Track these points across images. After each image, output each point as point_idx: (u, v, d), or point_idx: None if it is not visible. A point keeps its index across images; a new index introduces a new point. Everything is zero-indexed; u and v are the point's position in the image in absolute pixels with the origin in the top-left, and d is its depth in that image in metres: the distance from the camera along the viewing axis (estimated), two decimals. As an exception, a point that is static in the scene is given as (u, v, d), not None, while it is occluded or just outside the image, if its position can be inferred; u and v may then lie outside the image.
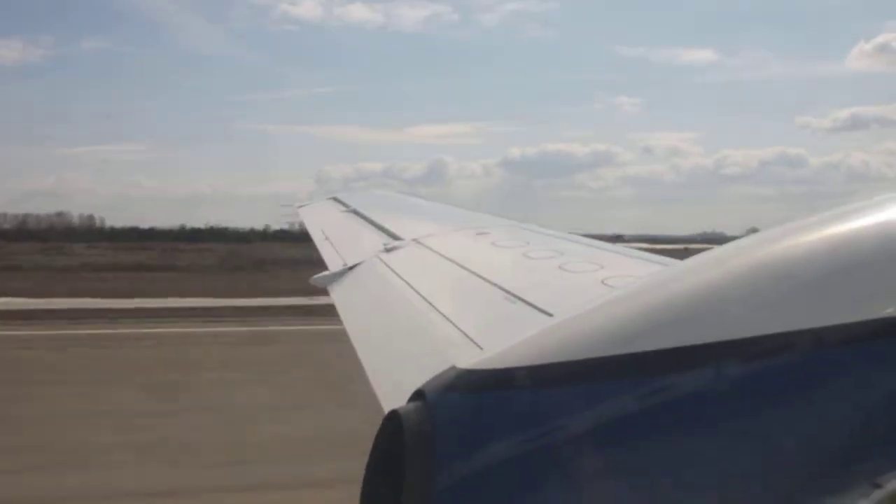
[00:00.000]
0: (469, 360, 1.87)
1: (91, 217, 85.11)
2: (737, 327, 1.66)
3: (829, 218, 1.92)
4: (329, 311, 4.88)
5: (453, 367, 1.83)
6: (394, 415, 1.79)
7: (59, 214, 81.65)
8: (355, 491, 1.86)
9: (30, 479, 12.76)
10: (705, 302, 1.78)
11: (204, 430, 15.53)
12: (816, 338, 1.61)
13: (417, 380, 1.88)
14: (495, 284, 3.77)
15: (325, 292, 5.09)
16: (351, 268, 5.31)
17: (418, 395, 1.80)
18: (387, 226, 6.26)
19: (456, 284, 4.13)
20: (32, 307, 32.27)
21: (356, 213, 7.48)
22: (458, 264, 4.42)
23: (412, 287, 4.26)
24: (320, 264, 5.59)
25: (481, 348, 2.90)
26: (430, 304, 3.81)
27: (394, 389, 2.71)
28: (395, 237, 5.71)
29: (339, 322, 4.32)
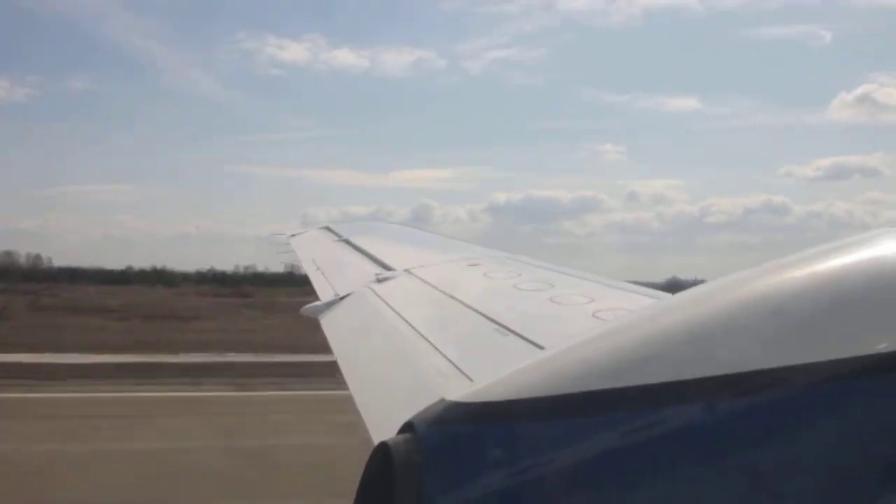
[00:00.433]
0: (459, 392, 1.86)
1: (38, 257, 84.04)
2: (730, 362, 1.65)
3: (821, 253, 1.92)
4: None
5: (443, 399, 1.82)
6: (383, 447, 1.77)
7: (8, 254, 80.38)
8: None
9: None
10: (697, 336, 1.77)
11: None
12: (809, 373, 1.61)
13: (407, 411, 1.87)
14: (486, 316, 3.76)
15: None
16: (342, 298, 5.30)
17: (408, 426, 1.79)
18: (378, 256, 6.26)
19: (447, 316, 4.12)
20: None
21: (348, 242, 7.48)
22: (449, 295, 4.42)
23: (403, 318, 4.25)
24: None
25: (472, 380, 2.89)
26: (421, 335, 3.80)
27: (383, 421, 2.69)
28: (386, 267, 5.71)
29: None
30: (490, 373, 1.95)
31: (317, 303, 5.43)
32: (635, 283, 4.36)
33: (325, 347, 4.58)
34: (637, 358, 1.76)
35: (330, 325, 4.93)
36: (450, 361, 3.27)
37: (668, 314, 1.97)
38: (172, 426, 19.70)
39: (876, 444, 1.58)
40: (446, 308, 4.23)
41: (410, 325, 4.05)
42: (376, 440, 1.95)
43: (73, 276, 74.22)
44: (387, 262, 5.92)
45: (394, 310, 4.49)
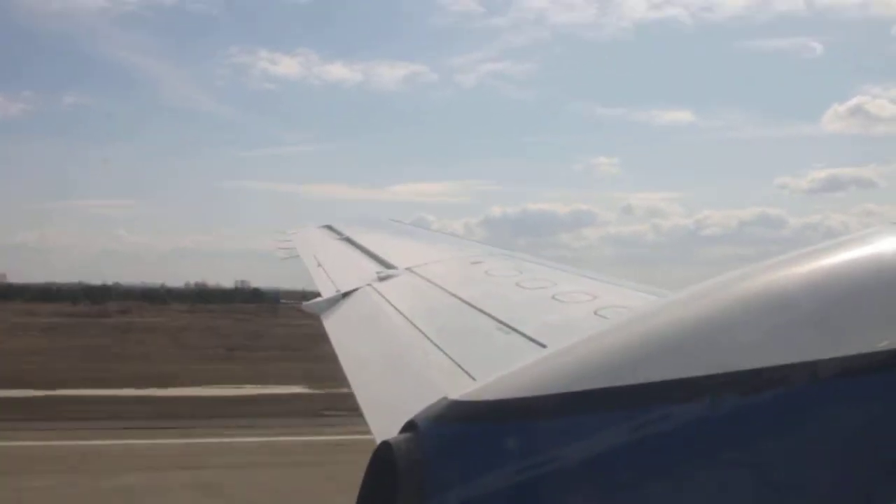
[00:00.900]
0: (461, 390, 1.85)
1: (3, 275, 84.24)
2: (732, 359, 1.65)
3: (824, 249, 1.92)
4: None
5: (445, 398, 1.81)
6: (385, 445, 1.77)
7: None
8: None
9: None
10: (700, 333, 1.77)
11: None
12: (812, 370, 1.60)
13: (409, 410, 1.86)
14: (488, 314, 3.76)
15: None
16: (343, 295, 5.30)
17: (410, 425, 1.79)
18: (380, 254, 6.26)
19: (449, 314, 4.12)
20: None
21: (350, 240, 7.48)
22: (451, 294, 4.42)
23: (405, 316, 4.25)
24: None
25: (474, 379, 2.89)
26: (423, 333, 3.80)
27: (385, 419, 2.69)
28: (388, 265, 5.71)
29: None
30: (492, 371, 1.95)
31: (318, 299, 5.43)
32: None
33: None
34: (639, 356, 1.75)
35: (331, 322, 4.93)
36: (452, 360, 3.27)
37: (669, 312, 1.97)
38: None
39: (875, 441, 1.58)
40: (448, 306, 4.23)
41: (412, 323, 4.05)
42: (378, 439, 1.95)
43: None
44: (388, 259, 5.92)
45: (396, 308, 4.49)
